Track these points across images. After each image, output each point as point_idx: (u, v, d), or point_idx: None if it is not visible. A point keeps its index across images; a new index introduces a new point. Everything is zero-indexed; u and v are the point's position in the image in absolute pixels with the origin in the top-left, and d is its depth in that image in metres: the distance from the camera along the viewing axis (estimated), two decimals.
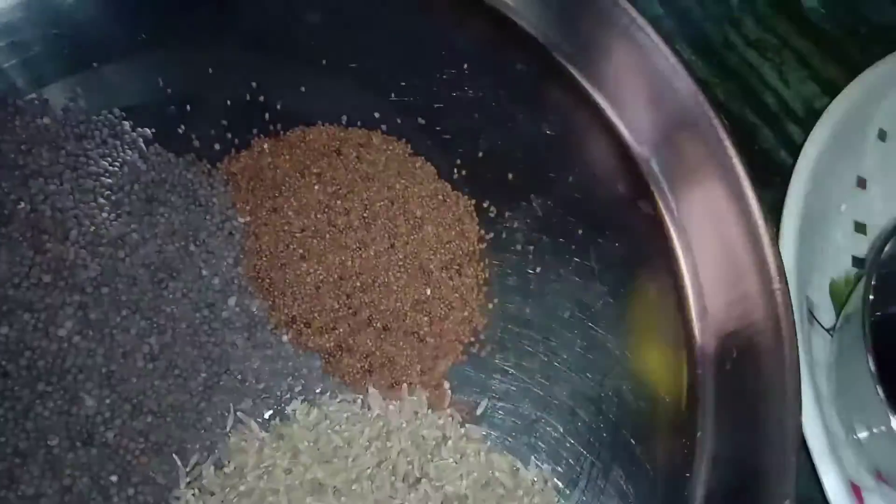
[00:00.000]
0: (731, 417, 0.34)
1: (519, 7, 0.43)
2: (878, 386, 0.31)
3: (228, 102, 0.40)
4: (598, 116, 0.42)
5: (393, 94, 0.41)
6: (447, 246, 0.38)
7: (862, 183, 0.44)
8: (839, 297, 0.40)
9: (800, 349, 0.35)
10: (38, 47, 0.40)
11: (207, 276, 0.35)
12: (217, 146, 0.39)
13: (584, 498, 0.33)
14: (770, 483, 0.31)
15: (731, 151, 0.37)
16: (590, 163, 0.41)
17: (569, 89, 0.43)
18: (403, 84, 0.42)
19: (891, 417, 0.31)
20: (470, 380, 0.36)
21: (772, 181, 0.44)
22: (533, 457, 0.34)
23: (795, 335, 0.33)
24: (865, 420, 0.34)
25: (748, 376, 0.34)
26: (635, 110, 0.41)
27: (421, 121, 0.41)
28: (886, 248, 0.35)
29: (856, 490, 0.35)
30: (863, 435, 0.34)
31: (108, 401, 0.32)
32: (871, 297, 0.33)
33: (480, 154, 0.41)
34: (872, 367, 0.31)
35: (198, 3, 0.42)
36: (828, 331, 0.39)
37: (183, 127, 0.39)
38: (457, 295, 0.37)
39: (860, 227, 0.43)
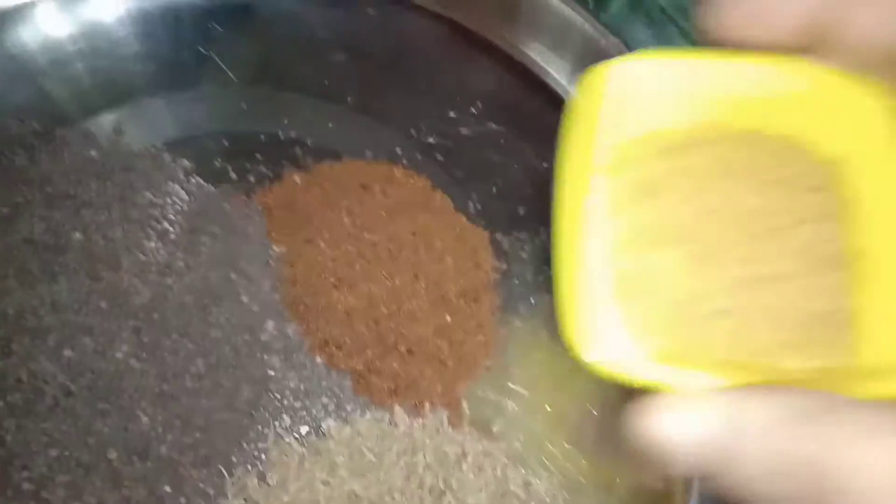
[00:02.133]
0: None
1: (533, 55, 0.47)
2: None
3: (262, 137, 0.43)
4: None
5: (413, 131, 0.45)
6: (465, 276, 0.41)
7: None
8: None
9: None
10: (87, 80, 0.42)
11: (247, 302, 0.38)
12: (252, 178, 0.42)
13: None
14: None
15: None
16: None
17: None
18: (422, 122, 0.45)
19: None
20: (485, 400, 0.39)
21: None
22: (544, 471, 0.37)
23: None
24: None
25: None
26: None
27: (439, 157, 0.44)
28: None
29: None
30: None
31: (160, 418, 0.35)
32: None
33: (494, 189, 0.44)
34: None
35: (232, 45, 0.45)
36: None
37: (219, 160, 0.42)
38: (474, 321, 0.40)
39: None
